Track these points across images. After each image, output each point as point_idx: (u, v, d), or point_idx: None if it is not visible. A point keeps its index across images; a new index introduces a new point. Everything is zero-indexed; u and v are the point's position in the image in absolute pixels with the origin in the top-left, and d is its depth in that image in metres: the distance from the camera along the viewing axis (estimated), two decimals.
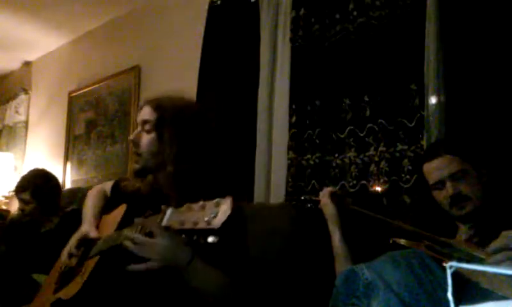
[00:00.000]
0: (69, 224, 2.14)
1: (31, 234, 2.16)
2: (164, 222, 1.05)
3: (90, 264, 1.32)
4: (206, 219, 0.92)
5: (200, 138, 1.35)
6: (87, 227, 1.44)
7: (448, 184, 1.36)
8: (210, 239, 0.93)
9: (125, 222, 1.31)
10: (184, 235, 0.99)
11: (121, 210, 1.40)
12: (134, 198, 1.42)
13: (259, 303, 1.38)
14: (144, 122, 1.33)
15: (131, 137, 1.35)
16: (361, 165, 1.94)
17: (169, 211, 1.05)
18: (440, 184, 1.39)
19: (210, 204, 0.95)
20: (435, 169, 1.40)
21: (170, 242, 1.09)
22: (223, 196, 0.97)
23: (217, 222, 0.91)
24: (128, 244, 1.11)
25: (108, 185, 1.61)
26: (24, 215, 2.18)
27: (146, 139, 1.32)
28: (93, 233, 1.39)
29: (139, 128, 1.35)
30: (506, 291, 0.93)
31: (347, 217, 1.53)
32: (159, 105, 1.35)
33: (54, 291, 1.44)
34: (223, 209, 0.92)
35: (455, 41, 1.73)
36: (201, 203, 0.97)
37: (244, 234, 1.27)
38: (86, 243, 1.40)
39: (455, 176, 1.36)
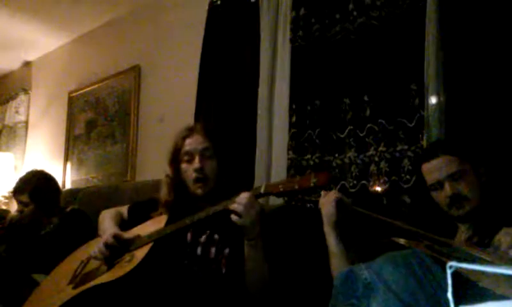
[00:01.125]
0: (69, 225, 2.14)
1: (31, 236, 2.16)
2: (262, 190, 1.33)
3: (140, 252, 1.38)
4: (314, 180, 1.22)
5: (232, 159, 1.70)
6: (115, 230, 1.50)
7: (447, 184, 1.36)
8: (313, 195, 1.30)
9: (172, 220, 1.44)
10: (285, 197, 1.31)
11: (160, 218, 1.51)
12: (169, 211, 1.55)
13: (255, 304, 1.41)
14: (206, 149, 1.55)
15: (198, 165, 1.52)
16: (361, 165, 1.94)
17: (263, 185, 1.37)
18: (439, 184, 1.39)
19: (301, 177, 1.28)
20: (434, 169, 1.40)
21: (258, 210, 1.33)
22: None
23: (323, 179, 1.22)
24: (236, 205, 1.31)
25: (124, 208, 1.74)
26: (23, 217, 2.18)
27: (210, 165, 1.55)
28: (127, 234, 1.47)
29: (198, 156, 1.54)
30: (506, 291, 0.93)
31: (347, 218, 1.53)
32: (211, 134, 1.60)
33: (74, 287, 1.43)
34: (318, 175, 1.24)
35: (455, 41, 1.73)
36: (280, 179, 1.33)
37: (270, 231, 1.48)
38: (117, 245, 1.44)
39: (453, 177, 1.36)
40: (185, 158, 1.56)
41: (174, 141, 1.62)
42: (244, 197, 1.31)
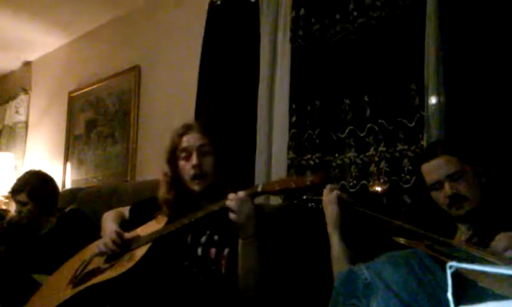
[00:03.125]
0: (67, 225, 2.14)
1: (30, 236, 2.16)
2: (259, 189, 1.34)
3: (139, 251, 1.39)
4: (310, 178, 1.26)
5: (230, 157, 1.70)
6: (117, 229, 1.52)
7: (446, 184, 1.36)
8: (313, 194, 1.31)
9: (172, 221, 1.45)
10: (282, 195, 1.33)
11: (160, 218, 1.51)
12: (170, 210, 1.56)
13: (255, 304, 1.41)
14: (203, 146, 1.55)
15: (195, 162, 1.51)
16: (361, 165, 1.94)
17: (260, 184, 1.38)
18: (438, 184, 1.39)
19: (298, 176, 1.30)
20: (433, 169, 1.40)
21: (252, 208, 1.33)
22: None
23: (319, 178, 1.26)
24: (228, 201, 1.32)
25: (126, 209, 1.75)
26: (21, 217, 2.17)
27: (208, 161, 1.54)
28: (127, 233, 1.48)
29: (196, 153, 1.53)
30: (506, 291, 0.93)
31: (347, 217, 1.53)
32: (209, 132, 1.60)
33: (74, 286, 1.44)
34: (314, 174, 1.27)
35: (455, 41, 1.73)
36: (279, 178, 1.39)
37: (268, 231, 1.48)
38: (119, 244, 1.45)
39: (453, 177, 1.36)
40: (183, 155, 1.55)
41: (171, 139, 1.62)
42: (236, 194, 1.33)
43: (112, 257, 1.44)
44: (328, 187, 1.56)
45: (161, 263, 1.39)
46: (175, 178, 1.57)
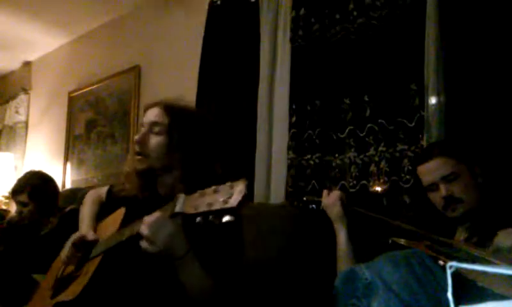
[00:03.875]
0: (68, 225, 2.14)
1: (30, 236, 2.16)
2: (177, 209, 1.06)
3: (92, 265, 1.31)
4: (222, 199, 0.95)
5: (205, 142, 1.38)
6: (84, 229, 1.44)
7: (441, 186, 1.37)
8: (226, 218, 0.95)
9: (126, 224, 1.31)
10: (199, 218, 1.00)
11: (119, 213, 1.40)
12: (130, 202, 1.41)
13: (255, 304, 1.37)
14: (154, 124, 1.35)
15: (137, 137, 1.35)
16: (361, 165, 1.94)
17: (181, 198, 1.07)
18: (434, 186, 1.39)
19: (223, 187, 0.98)
20: (428, 171, 1.41)
21: (173, 229, 1.11)
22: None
23: (234, 201, 0.93)
24: (142, 226, 1.11)
25: (103, 190, 1.62)
26: (22, 218, 2.17)
27: (155, 140, 1.34)
28: (91, 235, 1.38)
29: (146, 128, 1.36)
30: (506, 291, 0.93)
31: (348, 218, 1.53)
32: (170, 109, 1.38)
33: (52, 297, 1.43)
34: (238, 189, 0.95)
35: (455, 41, 1.73)
36: (213, 187, 0.99)
37: (241, 235, 1.29)
38: (85, 246, 1.39)
39: (447, 178, 1.37)
40: (139, 130, 1.41)
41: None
42: (150, 219, 1.11)
43: (81, 260, 1.40)
44: (325, 191, 1.57)
45: (114, 275, 1.28)
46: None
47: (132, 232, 1.18)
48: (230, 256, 1.25)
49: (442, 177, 1.37)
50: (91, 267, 1.31)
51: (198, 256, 1.16)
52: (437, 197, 1.39)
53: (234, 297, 1.26)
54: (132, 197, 1.42)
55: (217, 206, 0.95)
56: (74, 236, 1.41)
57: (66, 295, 1.31)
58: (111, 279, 1.27)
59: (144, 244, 1.10)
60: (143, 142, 1.34)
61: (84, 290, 1.24)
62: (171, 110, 1.38)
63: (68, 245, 1.43)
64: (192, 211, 1.01)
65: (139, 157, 1.35)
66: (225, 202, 0.94)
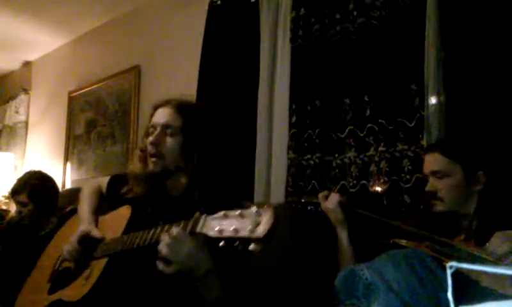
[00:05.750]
0: None
1: (30, 236, 2.15)
2: (199, 229, 1.04)
3: (98, 266, 1.28)
4: (249, 227, 0.93)
5: (216, 144, 1.41)
6: (88, 226, 1.40)
7: (430, 179, 1.42)
8: (252, 247, 0.93)
9: (131, 226, 1.30)
10: (222, 242, 0.97)
11: (124, 213, 1.36)
12: (137, 202, 1.38)
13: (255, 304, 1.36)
14: (167, 125, 1.36)
15: (152, 139, 1.35)
16: (361, 165, 1.94)
17: (202, 218, 1.05)
18: (427, 177, 1.45)
19: (249, 212, 0.96)
20: (425, 162, 1.47)
21: (193, 249, 1.08)
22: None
23: (261, 231, 0.92)
24: (161, 244, 1.08)
25: (103, 182, 1.61)
26: (21, 218, 2.17)
27: (170, 142, 1.35)
28: (97, 233, 1.35)
29: (159, 129, 1.36)
30: (507, 291, 0.93)
31: (348, 219, 1.53)
32: (182, 109, 1.38)
33: (50, 291, 1.40)
34: (265, 219, 0.93)
35: (455, 41, 1.73)
36: (239, 211, 0.97)
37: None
38: (87, 243, 1.35)
39: (436, 174, 1.41)
40: (150, 130, 1.40)
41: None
42: (169, 238, 1.07)
43: (80, 259, 1.36)
44: (321, 195, 1.57)
45: (121, 279, 1.25)
46: (144, 153, 1.42)
47: (145, 242, 1.15)
48: (246, 277, 1.24)
49: (431, 172, 1.42)
50: (95, 270, 1.27)
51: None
52: (425, 189, 1.44)
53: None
54: (139, 198, 1.40)
55: (243, 234, 0.93)
56: (79, 233, 1.37)
57: (69, 296, 1.29)
58: (117, 284, 1.24)
59: (161, 264, 1.07)
60: (158, 143, 1.34)
61: (89, 293, 1.21)
62: (184, 110, 1.38)
63: (73, 240, 1.37)
64: (216, 235, 0.98)
65: (154, 159, 1.35)
66: (252, 231, 0.92)
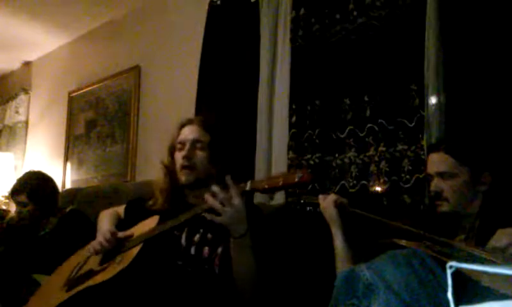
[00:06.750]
0: (67, 225, 2.14)
1: (30, 236, 2.15)
2: (248, 187, 1.25)
3: (130, 253, 1.37)
4: (297, 179, 1.14)
5: (232, 154, 1.67)
6: (111, 228, 1.51)
7: (435, 179, 1.40)
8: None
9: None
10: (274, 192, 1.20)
11: (152, 220, 1.48)
12: (162, 212, 1.50)
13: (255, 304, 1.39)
14: (197, 140, 1.56)
15: (185, 153, 1.54)
16: (361, 165, 1.94)
17: (248, 182, 1.27)
18: (430, 177, 1.43)
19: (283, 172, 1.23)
20: (430, 162, 1.44)
21: (242, 207, 1.25)
22: None
23: (298, 176, 1.14)
24: (209, 197, 1.25)
25: (121, 208, 1.74)
26: (21, 218, 2.17)
27: (200, 155, 1.55)
28: (121, 233, 1.47)
29: (189, 145, 1.55)
30: (507, 290, 0.93)
31: (347, 219, 1.53)
32: (208, 127, 1.61)
33: (67, 290, 1.43)
34: (300, 172, 1.15)
35: (455, 41, 1.73)
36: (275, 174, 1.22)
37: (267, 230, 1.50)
38: (112, 243, 1.44)
39: (442, 175, 1.39)
40: (178, 147, 1.58)
41: (174, 130, 1.66)
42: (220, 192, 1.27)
43: (106, 258, 1.44)
44: (321, 196, 1.58)
45: (154, 263, 1.38)
46: (171, 169, 1.60)
47: (188, 216, 1.32)
48: (273, 250, 1.44)
49: (437, 172, 1.40)
50: (127, 256, 1.36)
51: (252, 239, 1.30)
52: (430, 188, 1.43)
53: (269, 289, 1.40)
54: (164, 210, 1.53)
55: (291, 181, 1.15)
56: (104, 232, 1.47)
57: (99, 279, 1.34)
58: (150, 268, 1.36)
59: (209, 215, 1.25)
60: (190, 157, 1.53)
61: (125, 269, 1.30)
62: (209, 128, 1.61)
63: (99, 236, 1.48)
64: (265, 186, 1.21)
65: (187, 170, 1.53)
66: (299, 177, 1.13)
